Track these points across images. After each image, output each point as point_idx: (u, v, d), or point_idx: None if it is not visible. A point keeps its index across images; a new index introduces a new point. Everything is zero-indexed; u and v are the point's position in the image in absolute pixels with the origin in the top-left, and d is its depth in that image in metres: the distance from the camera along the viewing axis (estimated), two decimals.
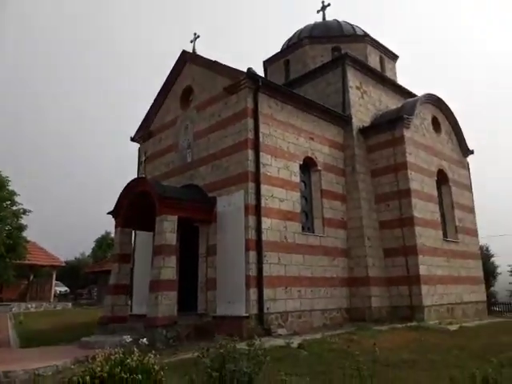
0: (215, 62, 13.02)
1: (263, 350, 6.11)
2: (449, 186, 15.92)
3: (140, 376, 5.65)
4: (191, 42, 14.51)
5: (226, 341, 6.02)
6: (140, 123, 16.03)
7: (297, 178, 12.52)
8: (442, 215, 15.72)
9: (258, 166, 11.27)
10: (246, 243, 10.77)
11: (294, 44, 18.40)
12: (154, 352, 5.85)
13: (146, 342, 7.05)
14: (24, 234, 27.04)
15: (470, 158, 17.98)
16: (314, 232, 12.94)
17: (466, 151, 17.61)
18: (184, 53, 14.34)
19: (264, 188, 11.36)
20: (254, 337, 9.86)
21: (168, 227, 11.10)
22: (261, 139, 11.58)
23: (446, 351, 8.64)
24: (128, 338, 8.25)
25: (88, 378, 5.48)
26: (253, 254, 10.73)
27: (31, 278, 31.73)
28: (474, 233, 16.90)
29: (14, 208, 27.72)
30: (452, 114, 16.87)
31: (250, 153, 11.29)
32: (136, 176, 14.38)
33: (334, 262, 13.03)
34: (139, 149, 16.31)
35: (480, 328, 12.21)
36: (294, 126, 12.83)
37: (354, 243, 13.57)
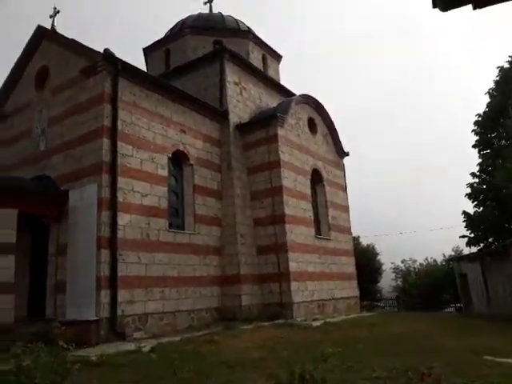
0: (72, 40, 11.68)
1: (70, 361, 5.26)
2: (323, 185, 16.39)
3: None
4: (50, 17, 12.98)
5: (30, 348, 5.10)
6: None
7: (164, 172, 11.72)
8: (317, 213, 16.15)
9: (115, 157, 10.24)
10: (98, 241, 9.69)
11: (176, 33, 17.61)
12: None
13: None
14: None
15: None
16: (184, 229, 12.26)
17: (342, 153, 18.39)
18: (39, 28, 12.71)
19: (122, 181, 10.37)
20: (102, 342, 9.07)
21: (6, 223, 9.56)
22: (120, 127, 10.57)
23: (298, 347, 8.54)
24: None
25: None
26: (106, 253, 9.69)
27: None
28: (347, 230, 17.64)
29: None
30: (328, 116, 17.47)
31: (106, 142, 10.22)
32: None
33: (205, 261, 12.48)
34: None
35: (343, 323, 12.56)
36: (163, 117, 12.04)
37: (227, 241, 13.18)
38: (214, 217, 13.18)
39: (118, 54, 10.75)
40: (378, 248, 29.24)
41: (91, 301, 9.45)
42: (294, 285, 13.11)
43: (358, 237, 28.41)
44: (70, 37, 11.80)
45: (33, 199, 10.22)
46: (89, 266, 9.66)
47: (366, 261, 26.18)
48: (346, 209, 17.80)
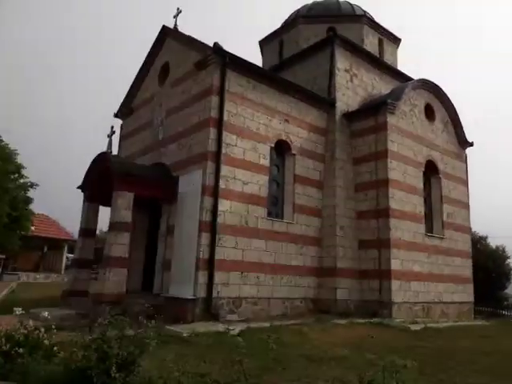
0: (189, 36, 12.54)
1: (156, 336, 5.81)
2: (439, 178, 15.02)
3: (22, 350, 5.57)
4: (174, 17, 14.04)
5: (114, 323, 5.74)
6: (123, 99, 15.78)
7: (266, 161, 12.00)
8: (430, 209, 14.94)
9: (220, 146, 10.82)
10: (200, 225, 10.42)
11: (289, 24, 17.63)
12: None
13: (48, 317, 6.88)
14: (36, 207, 27.61)
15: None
16: (283, 218, 12.45)
17: (465, 143, 16.57)
18: (164, 28, 13.92)
19: (225, 169, 10.93)
20: (197, 320, 9.80)
21: (123, 204, 10.86)
22: (226, 118, 11.10)
23: (386, 351, 8.12)
24: (46, 314, 8.11)
25: None
26: (206, 236, 10.38)
27: (45, 249, 32.60)
28: (465, 229, 15.97)
29: (22, 181, 28.37)
30: (450, 102, 15.83)
31: (212, 131, 10.84)
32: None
33: (302, 250, 12.54)
34: (121, 125, 16.12)
35: (447, 330, 11.53)
36: (268, 107, 12.26)
37: (326, 232, 13.02)
38: (314, 207, 13.10)
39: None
40: (508, 251, 25.84)
41: (190, 280, 10.25)
42: (395, 284, 12.42)
43: (486, 237, 25.49)
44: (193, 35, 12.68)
45: (146, 184, 11.36)
46: (191, 247, 10.47)
47: (493, 264, 23.43)
48: (465, 205, 16.08)
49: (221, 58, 11.18)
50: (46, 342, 5.92)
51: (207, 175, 10.61)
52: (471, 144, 16.76)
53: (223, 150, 10.88)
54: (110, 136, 12.86)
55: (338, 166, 13.38)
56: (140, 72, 15.02)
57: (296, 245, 12.39)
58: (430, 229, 14.56)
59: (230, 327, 8.94)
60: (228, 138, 11.12)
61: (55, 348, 5.98)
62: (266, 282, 11.49)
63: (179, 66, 12.99)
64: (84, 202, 12.97)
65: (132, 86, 15.35)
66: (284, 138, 12.57)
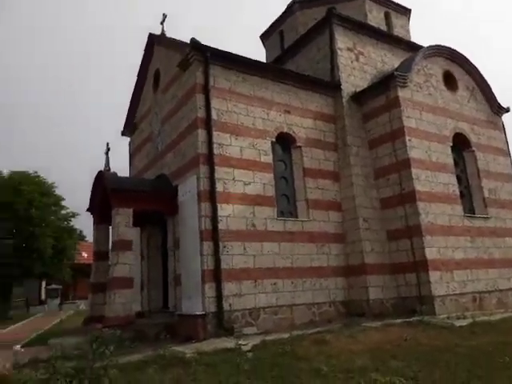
0: (173, 39, 11.94)
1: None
2: (472, 151, 13.36)
3: None
4: (161, 23, 13.52)
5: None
6: (126, 115, 15.44)
7: (268, 158, 11.02)
8: (468, 187, 13.28)
9: (211, 147, 9.97)
10: (201, 234, 9.57)
11: (286, 12, 16.67)
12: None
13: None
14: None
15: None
16: (297, 216, 11.38)
17: (499, 109, 14.76)
18: (150, 36, 13.43)
19: (221, 171, 10.06)
20: (210, 337, 8.93)
21: (121, 221, 10.27)
22: (215, 117, 10.26)
23: (417, 356, 6.84)
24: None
25: None
26: (208, 245, 9.50)
27: None
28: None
29: (63, 212, 29.17)
30: (473, 66, 14.16)
31: (201, 133, 10.02)
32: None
33: (323, 249, 11.37)
34: (129, 142, 15.78)
35: (502, 323, 9.87)
36: (263, 99, 11.32)
37: (349, 227, 11.77)
38: (332, 201, 11.91)
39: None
40: None
41: (198, 294, 9.40)
42: (434, 275, 10.91)
43: None
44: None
45: (144, 197, 10.72)
46: (195, 259, 9.64)
47: None
48: (509, 178, 14.21)
49: (201, 54, 10.40)
50: (17, 378, 5.32)
51: (201, 180, 9.78)
52: (507, 110, 14.93)
53: (216, 151, 10.02)
54: (106, 153, 12.43)
55: (352, 152, 12.14)
56: (136, 84, 14.62)
57: (315, 244, 11.24)
58: (470, 209, 12.92)
59: (243, 342, 8.08)
60: (220, 137, 10.26)
61: None
62: (285, 288, 10.41)
63: (167, 71, 12.40)
64: (93, 224, 12.55)
65: (132, 101, 14.99)
66: (286, 130, 11.55)
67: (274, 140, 11.26)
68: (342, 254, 11.67)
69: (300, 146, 11.71)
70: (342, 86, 12.61)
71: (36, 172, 28.21)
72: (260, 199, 10.54)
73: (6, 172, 26.95)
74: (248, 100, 11.01)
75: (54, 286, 31.25)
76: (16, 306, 30.71)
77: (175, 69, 11.46)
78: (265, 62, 12.25)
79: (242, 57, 11.00)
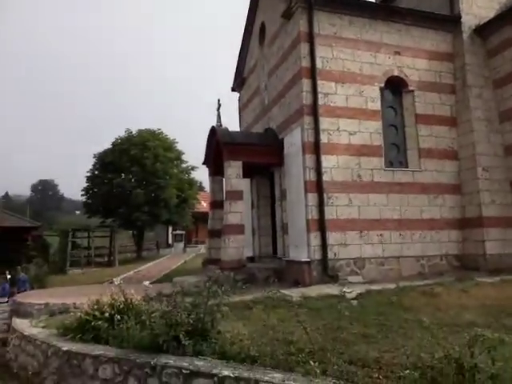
0: None
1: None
2: None
3: (119, 316, 5.97)
4: None
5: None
6: (235, 71, 15.85)
7: (376, 105, 10.51)
8: None
9: (316, 98, 9.84)
10: (305, 185, 9.76)
11: None
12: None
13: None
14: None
15: None
16: (407, 167, 10.84)
17: None
18: None
19: (326, 121, 9.94)
20: (315, 283, 9.29)
21: (232, 173, 10.93)
22: (319, 65, 10.02)
23: None
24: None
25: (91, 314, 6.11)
26: (312, 196, 9.67)
27: None
28: None
29: (184, 165, 31.98)
30: None
31: (306, 83, 9.92)
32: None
33: (436, 201, 10.74)
34: (238, 97, 16.27)
35: None
36: (371, 42, 10.66)
37: (466, 177, 10.85)
38: (447, 149, 11.01)
39: None
40: None
41: (304, 243, 9.75)
42: None
43: None
44: None
45: (252, 150, 11.15)
46: (300, 209, 9.93)
47: None
48: None
49: (305, 0, 10.05)
50: (144, 308, 6.24)
51: (306, 131, 9.81)
52: None
53: (320, 102, 9.88)
54: (217, 109, 13.01)
55: (474, 94, 10.91)
56: (243, 39, 14.79)
57: (427, 195, 10.66)
58: None
59: (347, 290, 8.27)
60: (325, 86, 10.04)
61: (153, 314, 6.15)
62: (393, 240, 10.21)
63: (272, 23, 12.28)
64: (209, 176, 13.51)
65: (239, 55, 15.28)
66: (396, 73, 10.80)
67: (382, 85, 10.66)
68: (458, 206, 10.91)
69: (412, 90, 10.90)
70: (462, 19, 11.19)
71: (159, 129, 31.01)
72: (366, 149, 10.24)
73: (134, 130, 30.04)
74: (354, 44, 10.48)
75: (178, 232, 34.83)
76: (148, 248, 35.24)
77: (280, 19, 11.31)
78: (372, 0, 11.32)
79: None
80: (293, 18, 10.55)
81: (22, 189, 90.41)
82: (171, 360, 4.59)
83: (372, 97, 10.47)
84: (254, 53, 14.33)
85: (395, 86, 10.97)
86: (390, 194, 10.31)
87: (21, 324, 7.71)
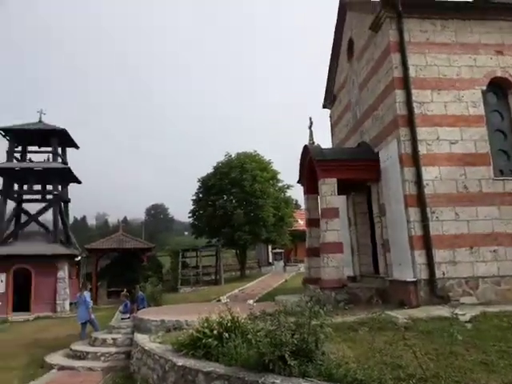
0: (363, 0, 11.60)
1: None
2: None
3: (227, 334, 6.32)
4: None
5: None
6: (325, 87, 15.98)
7: (478, 110, 9.77)
8: None
9: (411, 107, 9.49)
10: (405, 199, 9.38)
11: None
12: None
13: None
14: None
15: None
16: None
17: None
18: (341, 1, 13.37)
19: (423, 131, 9.50)
20: (423, 304, 8.78)
21: (327, 190, 10.93)
22: (413, 74, 9.68)
23: None
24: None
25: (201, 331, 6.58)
26: (414, 212, 9.24)
27: None
28: None
29: (279, 184, 32.76)
30: None
31: (399, 93, 9.62)
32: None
33: None
34: (330, 114, 16.33)
35: None
36: (467, 44, 10.01)
37: None
38: None
39: None
40: None
41: (408, 261, 9.32)
42: None
43: None
44: None
45: (347, 166, 11.06)
46: (401, 226, 9.54)
47: None
48: None
49: (392, 9, 9.85)
50: (250, 327, 6.54)
51: (402, 143, 9.49)
52: None
53: (416, 111, 9.49)
54: (309, 127, 13.20)
55: None
56: (331, 58, 14.91)
57: None
58: None
59: (460, 312, 7.72)
60: (420, 95, 9.64)
61: (259, 333, 6.39)
62: (509, 257, 9.26)
63: (360, 36, 12.22)
64: (303, 194, 13.67)
65: (329, 73, 15.39)
66: (500, 74, 9.96)
67: (484, 88, 9.91)
68: None
69: None
70: None
71: (255, 151, 32.21)
72: (471, 158, 9.55)
73: (233, 154, 31.63)
74: (449, 49, 9.94)
75: (278, 250, 35.35)
76: (251, 267, 36.26)
77: (368, 32, 11.22)
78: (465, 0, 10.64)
79: (438, 1, 9.95)
80: (381, 30, 10.40)
81: (137, 213, 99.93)
82: (278, 380, 4.73)
83: (473, 101, 9.78)
84: (343, 69, 14.33)
85: (499, 88, 10.13)
86: (502, 205, 9.43)
87: (141, 339, 8.48)
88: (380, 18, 10.16)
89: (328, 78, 15.50)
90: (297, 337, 5.25)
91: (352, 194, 13.63)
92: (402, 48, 9.74)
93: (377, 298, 10.32)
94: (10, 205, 28.20)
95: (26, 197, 29.10)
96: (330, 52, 14.83)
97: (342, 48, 14.13)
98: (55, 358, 10.17)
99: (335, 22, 14.07)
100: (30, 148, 29.42)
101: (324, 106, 16.41)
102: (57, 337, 14.19)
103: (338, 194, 11.27)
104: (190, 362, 6.03)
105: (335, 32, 14.23)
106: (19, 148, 28.84)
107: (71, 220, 34.40)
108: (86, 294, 13.06)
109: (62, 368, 9.39)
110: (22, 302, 24.64)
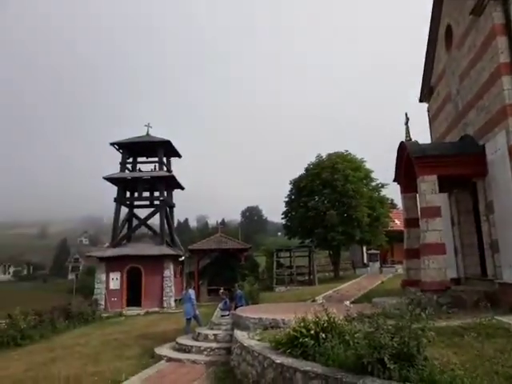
0: None
1: None
2: None
3: (323, 334, 6.36)
4: None
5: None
6: (421, 80, 15.11)
7: None
8: None
9: None
10: None
11: None
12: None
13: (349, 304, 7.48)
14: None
15: None
16: None
17: None
18: None
19: None
20: None
21: (427, 188, 10.38)
22: None
23: None
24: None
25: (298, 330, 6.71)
26: None
27: None
28: None
29: (373, 184, 31.77)
30: None
31: (506, 80, 8.79)
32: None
33: None
34: (427, 108, 15.40)
35: None
36: None
37: None
38: None
39: None
40: None
41: None
42: None
43: None
44: None
45: (448, 162, 10.36)
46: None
47: None
48: None
49: None
50: (347, 328, 6.50)
51: (511, 134, 8.63)
52: None
53: None
54: (406, 123, 12.59)
55: None
56: (428, 46, 14.02)
57: None
58: None
59: None
60: None
61: (356, 335, 6.32)
62: None
63: (459, 22, 11.35)
64: (401, 193, 13.09)
65: (425, 63, 14.49)
66: None
67: None
68: None
69: None
70: None
71: (347, 151, 31.56)
72: None
73: (324, 155, 31.36)
74: None
75: (373, 251, 34.17)
76: (345, 268, 35.54)
77: (468, 18, 10.41)
78: None
79: None
80: (483, 14, 9.57)
81: (234, 215, 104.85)
82: (377, 383, 4.64)
83: None
84: (440, 59, 13.41)
85: None
86: None
87: (241, 336, 8.84)
88: (483, 1, 9.36)
89: (424, 70, 14.60)
90: (397, 340, 5.08)
91: (454, 191, 12.71)
92: (508, 31, 8.89)
93: (485, 301, 9.49)
94: (124, 210, 31.43)
95: (136, 203, 32.18)
96: (426, 42, 13.96)
97: (439, 38, 13.23)
98: (163, 350, 11.07)
99: (431, 9, 13.23)
100: (139, 159, 32.53)
101: (421, 100, 15.49)
102: (164, 330, 15.38)
103: (439, 192, 10.61)
104: (288, 361, 6.14)
105: (431, 20, 13.37)
106: (130, 159, 32.04)
107: (175, 223, 37.07)
108: (191, 292, 13.98)
109: (169, 359, 10.18)
110: (134, 298, 27.25)
